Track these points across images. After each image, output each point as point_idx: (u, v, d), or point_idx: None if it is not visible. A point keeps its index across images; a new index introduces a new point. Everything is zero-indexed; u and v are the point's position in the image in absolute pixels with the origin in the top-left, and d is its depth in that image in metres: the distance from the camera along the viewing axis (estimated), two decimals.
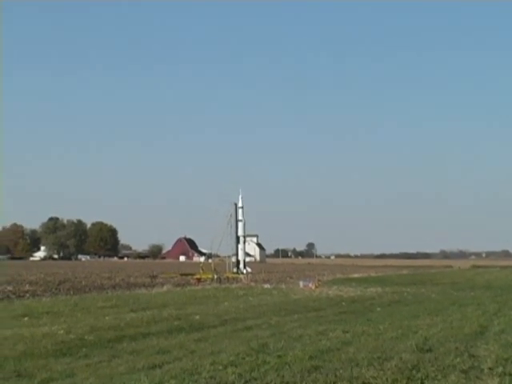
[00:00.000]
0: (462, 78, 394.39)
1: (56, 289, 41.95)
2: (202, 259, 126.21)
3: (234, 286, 48.36)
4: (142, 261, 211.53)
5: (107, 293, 38.63)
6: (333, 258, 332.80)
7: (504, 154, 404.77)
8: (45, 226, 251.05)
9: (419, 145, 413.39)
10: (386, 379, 11.50)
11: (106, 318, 23.45)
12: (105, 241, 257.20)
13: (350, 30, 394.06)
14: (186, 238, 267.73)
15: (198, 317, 23.68)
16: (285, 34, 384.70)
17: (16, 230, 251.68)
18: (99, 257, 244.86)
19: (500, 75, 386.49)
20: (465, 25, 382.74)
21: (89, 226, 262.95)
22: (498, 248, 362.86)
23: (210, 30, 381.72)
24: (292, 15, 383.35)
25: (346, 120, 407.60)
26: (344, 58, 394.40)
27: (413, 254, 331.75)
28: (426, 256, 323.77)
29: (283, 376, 11.99)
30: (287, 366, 13.01)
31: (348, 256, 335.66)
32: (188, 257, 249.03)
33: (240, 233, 68.47)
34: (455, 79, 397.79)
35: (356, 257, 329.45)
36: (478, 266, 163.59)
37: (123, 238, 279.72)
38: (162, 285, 46.63)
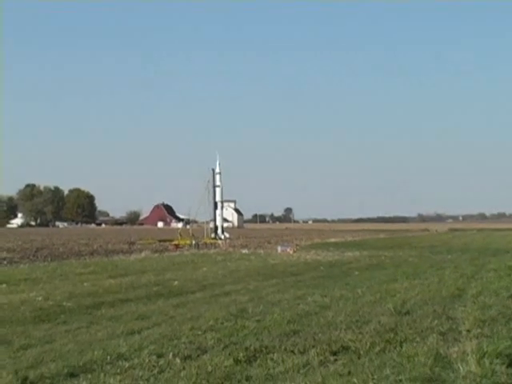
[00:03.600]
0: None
1: (34, 256, 41.86)
2: (180, 225, 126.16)
3: (212, 251, 48.44)
4: (119, 227, 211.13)
5: (85, 259, 38.61)
6: (310, 222, 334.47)
7: (480, 116, 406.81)
8: (21, 193, 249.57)
9: (398, 112, 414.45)
10: (365, 342, 11.52)
11: (85, 284, 23.44)
12: (82, 207, 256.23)
13: (349, 31, 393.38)
14: (163, 204, 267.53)
15: (176, 282, 23.72)
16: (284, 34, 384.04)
17: None
18: (77, 223, 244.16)
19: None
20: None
21: (66, 192, 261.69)
22: (474, 211, 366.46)
23: (210, 30, 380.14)
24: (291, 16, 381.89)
25: (324, 85, 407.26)
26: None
27: (390, 218, 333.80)
28: (404, 220, 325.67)
29: (262, 340, 12.00)
30: (266, 331, 13.03)
31: (325, 221, 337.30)
32: (166, 223, 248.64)
33: (218, 198, 68.80)
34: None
35: (333, 221, 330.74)
36: (455, 229, 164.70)
37: (101, 205, 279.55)
38: (141, 251, 46.63)
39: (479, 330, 12.68)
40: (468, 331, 12.67)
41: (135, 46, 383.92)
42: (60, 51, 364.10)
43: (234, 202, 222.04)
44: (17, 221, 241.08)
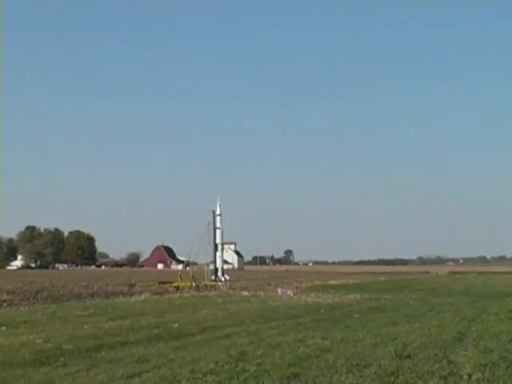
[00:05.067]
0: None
1: (33, 298, 41.66)
2: (180, 267, 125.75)
3: (212, 293, 48.26)
4: (119, 269, 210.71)
5: (85, 301, 38.44)
6: (311, 264, 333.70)
7: (479, 162, 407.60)
8: (22, 234, 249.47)
9: (397, 154, 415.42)
10: None
11: (85, 326, 23.34)
12: (82, 249, 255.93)
13: (349, 31, 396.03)
14: (163, 246, 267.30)
15: (176, 325, 23.63)
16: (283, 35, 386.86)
17: None
18: (77, 265, 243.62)
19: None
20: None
21: (66, 234, 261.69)
22: (474, 254, 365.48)
23: (209, 30, 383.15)
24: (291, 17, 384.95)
25: (320, 130, 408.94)
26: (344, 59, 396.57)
27: (390, 260, 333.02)
28: (404, 262, 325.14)
29: None
30: (266, 374, 13.01)
31: (326, 263, 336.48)
32: (166, 265, 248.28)
33: (218, 240, 68.73)
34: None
35: (334, 263, 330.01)
36: (456, 272, 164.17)
37: (101, 247, 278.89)
38: (141, 293, 46.48)
39: (480, 375, 12.68)
40: (469, 375, 12.66)
41: (130, 95, 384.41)
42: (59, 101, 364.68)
43: (235, 243, 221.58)
44: (17, 263, 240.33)
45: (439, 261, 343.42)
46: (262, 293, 48.71)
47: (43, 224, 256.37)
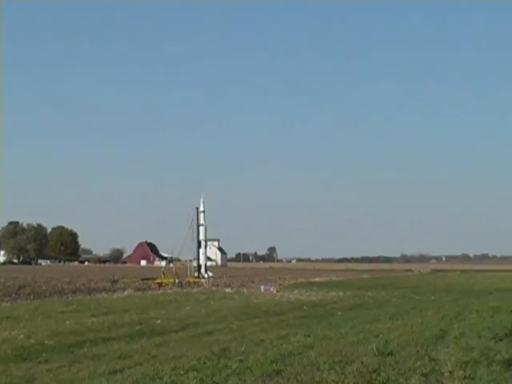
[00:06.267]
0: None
1: (16, 293, 41.55)
2: (164, 263, 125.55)
3: (195, 290, 48.27)
4: (102, 265, 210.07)
5: (68, 297, 38.36)
6: (294, 261, 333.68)
7: (462, 157, 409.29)
8: (4, 230, 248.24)
9: (382, 153, 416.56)
10: (348, 383, 11.54)
11: (67, 322, 23.30)
12: (65, 245, 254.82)
13: (348, 32, 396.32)
14: (146, 242, 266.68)
15: (159, 321, 23.60)
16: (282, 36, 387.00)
17: None
18: (60, 261, 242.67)
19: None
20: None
21: (49, 230, 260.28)
22: (457, 252, 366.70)
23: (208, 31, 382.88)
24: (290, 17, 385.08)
25: (304, 126, 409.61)
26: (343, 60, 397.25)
27: (374, 257, 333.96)
28: (387, 260, 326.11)
29: (245, 380, 12.00)
30: (249, 371, 13.02)
31: (309, 260, 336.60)
32: (149, 261, 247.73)
33: (201, 237, 68.56)
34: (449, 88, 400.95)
35: (317, 261, 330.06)
36: (439, 270, 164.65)
37: (84, 243, 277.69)
38: (123, 289, 46.39)
39: (461, 372, 12.74)
40: (450, 373, 12.72)
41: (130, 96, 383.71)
42: (53, 92, 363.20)
43: (218, 240, 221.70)
44: None
45: (422, 259, 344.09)
46: (245, 290, 48.73)
47: (26, 219, 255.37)
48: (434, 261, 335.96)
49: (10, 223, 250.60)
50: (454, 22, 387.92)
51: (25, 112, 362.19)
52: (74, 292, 44.10)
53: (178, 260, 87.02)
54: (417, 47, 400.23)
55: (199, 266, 68.42)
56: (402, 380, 11.99)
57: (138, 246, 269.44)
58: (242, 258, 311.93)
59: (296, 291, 46.33)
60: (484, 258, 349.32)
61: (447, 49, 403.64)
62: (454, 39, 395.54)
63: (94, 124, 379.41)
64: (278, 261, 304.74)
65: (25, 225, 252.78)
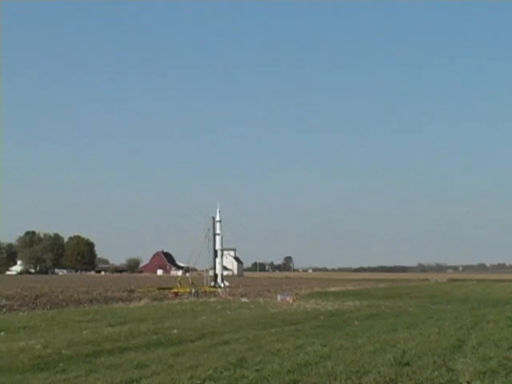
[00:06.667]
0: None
1: (33, 303, 41.66)
2: (180, 273, 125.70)
3: (211, 299, 48.28)
4: (119, 275, 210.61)
5: (84, 307, 38.44)
6: (310, 271, 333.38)
7: (480, 169, 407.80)
8: (21, 240, 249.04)
9: (398, 161, 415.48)
10: None
11: (84, 332, 23.33)
12: (82, 255, 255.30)
13: (348, 33, 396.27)
14: (163, 252, 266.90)
15: (175, 331, 23.61)
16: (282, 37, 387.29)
17: None
18: (76, 271, 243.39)
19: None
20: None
21: (66, 239, 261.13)
22: (474, 261, 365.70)
23: (207, 34, 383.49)
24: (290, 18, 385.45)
25: (321, 136, 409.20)
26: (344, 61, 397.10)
27: (390, 267, 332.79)
28: (404, 269, 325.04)
29: None
30: (265, 381, 12.99)
31: (325, 269, 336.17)
32: (165, 270, 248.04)
33: (218, 246, 68.54)
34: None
35: (333, 270, 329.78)
36: (455, 280, 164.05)
37: (100, 252, 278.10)
38: (140, 299, 46.48)
39: (479, 382, 12.66)
40: (468, 383, 12.64)
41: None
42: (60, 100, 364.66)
43: (234, 250, 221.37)
44: (16, 268, 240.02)
45: (439, 268, 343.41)
46: (261, 299, 48.71)
47: (43, 229, 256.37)
48: (450, 270, 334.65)
49: (27, 233, 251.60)
50: (454, 21, 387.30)
51: (39, 121, 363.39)
52: (91, 301, 44.17)
53: (195, 269, 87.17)
54: (417, 47, 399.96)
55: (215, 276, 68.42)
56: None
57: (154, 255, 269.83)
58: (259, 267, 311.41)
59: (312, 301, 46.26)
60: (501, 267, 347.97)
61: (447, 48, 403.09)
62: (454, 39, 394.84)
63: (110, 134, 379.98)
64: (294, 270, 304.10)
65: (42, 235, 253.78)
